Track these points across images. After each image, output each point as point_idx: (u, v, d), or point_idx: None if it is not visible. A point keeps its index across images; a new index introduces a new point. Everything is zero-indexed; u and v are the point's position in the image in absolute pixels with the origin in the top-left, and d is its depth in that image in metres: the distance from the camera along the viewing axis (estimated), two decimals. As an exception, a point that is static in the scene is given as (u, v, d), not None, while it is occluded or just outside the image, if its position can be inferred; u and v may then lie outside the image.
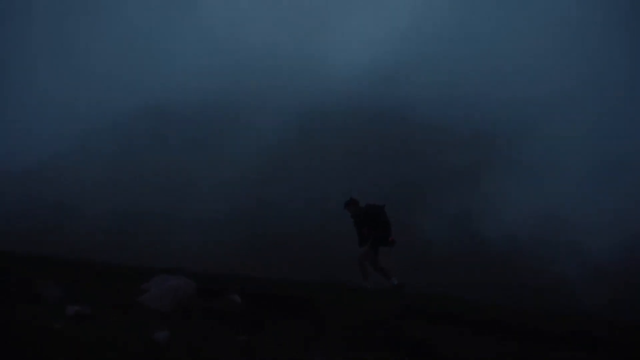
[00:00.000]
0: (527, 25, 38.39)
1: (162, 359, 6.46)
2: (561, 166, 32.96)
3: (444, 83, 37.06)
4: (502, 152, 34.17)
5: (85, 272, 10.17)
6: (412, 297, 13.04)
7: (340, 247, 20.04)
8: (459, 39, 38.95)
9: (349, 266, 14.43)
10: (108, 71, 40.04)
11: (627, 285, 27.28)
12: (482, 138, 34.87)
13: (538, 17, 38.58)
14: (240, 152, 35.46)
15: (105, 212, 32.14)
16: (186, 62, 40.84)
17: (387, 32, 39.40)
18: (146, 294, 8.56)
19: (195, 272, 11.35)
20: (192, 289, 8.94)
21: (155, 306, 8.28)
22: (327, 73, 37.89)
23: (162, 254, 24.97)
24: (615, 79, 35.21)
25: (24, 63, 39.97)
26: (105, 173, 34.90)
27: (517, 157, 33.80)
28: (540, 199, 31.68)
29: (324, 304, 10.02)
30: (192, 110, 38.44)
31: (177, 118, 38.42)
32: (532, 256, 29.73)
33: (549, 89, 35.88)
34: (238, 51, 40.08)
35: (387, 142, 35.42)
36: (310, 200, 32.06)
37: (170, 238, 30.19)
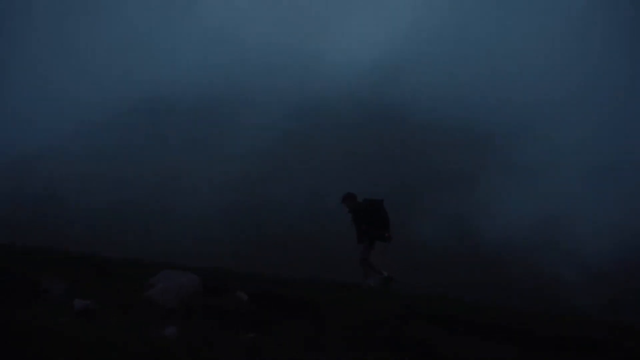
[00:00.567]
0: (528, 26, 38.47)
1: (169, 356, 6.52)
2: (559, 168, 33.00)
3: (443, 84, 37.09)
4: (500, 153, 34.19)
5: (87, 267, 10.19)
6: (411, 298, 13.08)
7: (339, 246, 20.10)
8: (459, 40, 39.03)
9: (348, 265, 14.45)
10: (106, 66, 40.05)
11: (626, 287, 27.37)
12: (481, 139, 34.90)
13: (538, 19, 38.67)
14: (239, 149, 35.45)
15: (99, 206, 32.07)
16: (185, 58, 40.87)
17: (388, 32, 39.46)
18: (152, 289, 8.60)
19: (197, 268, 11.38)
20: (197, 286, 9.00)
21: (162, 302, 8.33)
22: (327, 72, 37.91)
23: (157, 249, 24.91)
24: (614, 81, 35.31)
25: (23, 57, 39.98)
26: (100, 167, 34.86)
27: (516, 159, 33.83)
28: (539, 200, 31.72)
29: (325, 303, 10.07)
30: (190, 107, 38.46)
31: (174, 114, 38.42)
32: (530, 258, 29.78)
33: (548, 91, 35.97)
34: (238, 49, 40.11)
35: (386, 142, 35.44)
36: (309, 199, 32.08)
37: (166, 234, 30.14)
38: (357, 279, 13.58)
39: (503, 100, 35.59)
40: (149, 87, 38.46)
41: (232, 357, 7.15)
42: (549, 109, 35.43)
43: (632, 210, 31.06)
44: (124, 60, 40.25)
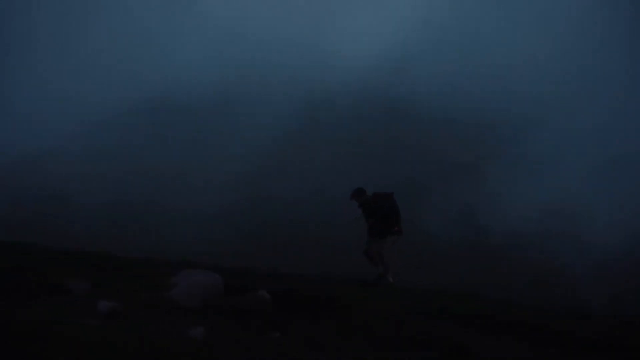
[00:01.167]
0: (535, 18, 38.25)
1: (198, 357, 6.37)
2: (566, 161, 32.84)
3: (450, 77, 36.87)
4: (508, 146, 34.03)
5: (106, 266, 10.02)
6: (425, 294, 12.95)
7: (344, 243, 19.96)
8: (466, 32, 38.76)
9: (354, 262, 14.26)
10: (107, 66, 39.79)
11: (634, 279, 27.25)
12: (489, 132, 34.73)
13: (544, 12, 38.47)
14: (243, 147, 35.24)
15: (99, 206, 31.89)
16: (186, 56, 40.56)
17: (395, 25, 39.14)
18: (174, 289, 8.43)
19: (215, 265, 11.22)
20: (220, 286, 8.83)
21: (185, 302, 8.17)
22: (334, 65, 37.61)
23: (163, 248, 24.74)
24: (620, 73, 35.13)
25: (22, 58, 39.72)
26: (101, 167, 34.65)
27: (524, 152, 33.68)
28: (547, 193, 31.57)
29: (348, 301, 9.90)
30: (191, 106, 38.21)
31: (175, 113, 38.18)
32: (539, 250, 29.66)
33: (556, 82, 35.76)
34: (244, 42, 39.79)
35: (392, 136, 35.25)
36: (315, 195, 31.89)
37: (168, 233, 29.94)
38: (365, 275, 13.39)
39: (511, 92, 35.40)
40: (150, 86, 38.20)
41: (260, 358, 7.00)
42: (556, 101, 35.26)
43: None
44: (125, 60, 39.99)
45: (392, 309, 10.43)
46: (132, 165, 34.29)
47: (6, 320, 6.17)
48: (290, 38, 39.04)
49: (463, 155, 33.89)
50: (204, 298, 8.43)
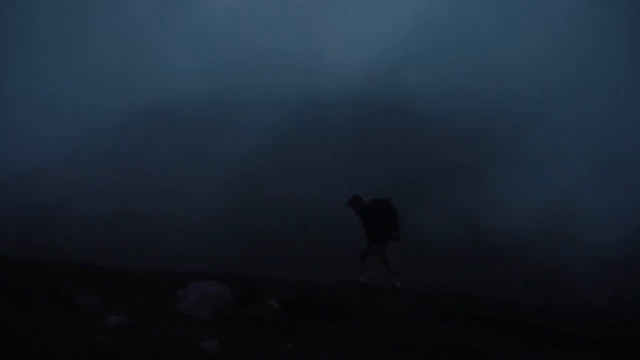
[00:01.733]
0: (535, 18, 38.23)
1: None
2: (566, 161, 32.85)
3: (447, 77, 36.81)
4: (506, 146, 34.02)
5: (114, 279, 9.91)
6: (425, 294, 12.95)
7: (343, 248, 19.90)
8: (466, 32, 38.73)
9: (353, 266, 14.18)
10: (105, 73, 39.54)
11: (634, 279, 27.27)
12: (486, 132, 34.72)
13: (544, 11, 38.45)
14: (240, 151, 35.09)
15: (100, 215, 31.65)
16: (184, 59, 40.36)
17: (395, 25, 39.09)
18: (184, 301, 8.36)
19: (221, 274, 11.14)
20: (229, 296, 8.77)
21: (196, 314, 8.10)
22: (329, 67, 37.54)
23: (164, 256, 24.61)
24: (620, 73, 35.14)
25: (22, 67, 39.41)
26: (102, 175, 34.41)
27: (522, 152, 33.68)
28: (546, 192, 31.57)
29: (359, 309, 9.84)
30: (192, 108, 38.01)
31: (177, 116, 37.99)
32: (538, 250, 29.67)
33: (554, 82, 35.75)
34: (239, 46, 39.64)
35: (389, 137, 35.21)
36: (313, 199, 31.78)
37: (168, 240, 29.74)
38: (381, 279, 13.40)
39: (510, 92, 35.36)
40: (147, 93, 37.95)
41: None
42: (556, 100, 35.25)
43: (639, 201, 30.98)
44: (123, 66, 39.74)
45: (393, 310, 10.43)
46: (131, 174, 34.09)
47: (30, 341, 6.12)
48: (290, 39, 38.94)
49: (463, 155, 33.88)
50: (214, 309, 8.36)
